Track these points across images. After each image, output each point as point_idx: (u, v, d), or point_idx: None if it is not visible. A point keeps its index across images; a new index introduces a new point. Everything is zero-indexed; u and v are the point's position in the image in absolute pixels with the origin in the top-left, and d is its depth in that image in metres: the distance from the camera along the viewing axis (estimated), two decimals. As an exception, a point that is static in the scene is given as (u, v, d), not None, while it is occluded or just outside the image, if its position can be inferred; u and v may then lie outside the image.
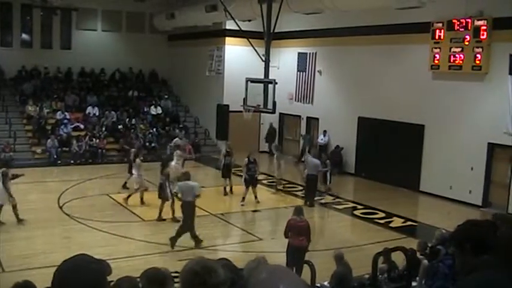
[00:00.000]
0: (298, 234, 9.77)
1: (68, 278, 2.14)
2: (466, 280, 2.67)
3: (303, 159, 18.41)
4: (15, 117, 23.75)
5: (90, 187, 18.21)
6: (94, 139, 22.58)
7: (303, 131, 23.78)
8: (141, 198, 15.53)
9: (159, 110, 26.49)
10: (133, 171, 15.83)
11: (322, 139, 22.02)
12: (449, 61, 16.77)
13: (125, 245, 12.10)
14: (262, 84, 16.67)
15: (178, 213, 13.09)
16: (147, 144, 23.19)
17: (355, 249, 11.70)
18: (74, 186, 17.77)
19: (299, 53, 23.40)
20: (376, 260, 8.32)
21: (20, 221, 13.19)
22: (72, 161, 21.71)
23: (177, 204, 13.05)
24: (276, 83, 16.39)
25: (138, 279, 3.36)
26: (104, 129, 23.91)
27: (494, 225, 3.05)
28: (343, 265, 8.49)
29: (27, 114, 23.73)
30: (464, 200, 16.46)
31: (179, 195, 12.33)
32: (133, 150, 17.22)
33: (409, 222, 14.93)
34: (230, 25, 22.16)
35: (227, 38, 24.34)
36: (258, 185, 16.83)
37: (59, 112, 24.02)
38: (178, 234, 11.80)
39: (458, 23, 16.44)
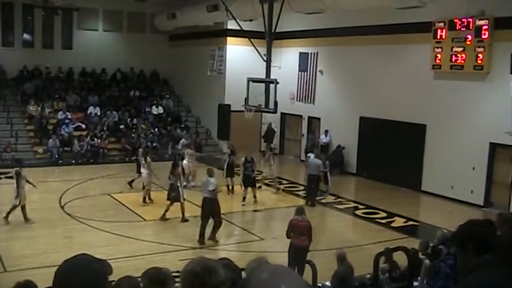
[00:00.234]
0: (300, 234, 9.76)
1: (69, 277, 2.14)
2: (467, 280, 2.67)
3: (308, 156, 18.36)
4: (17, 117, 23.79)
5: (92, 187, 18.23)
6: (95, 139, 22.61)
7: (305, 130, 23.78)
8: (144, 198, 15.56)
9: (161, 110, 26.51)
10: (143, 170, 15.87)
11: (323, 139, 22.02)
12: (451, 61, 16.75)
13: (127, 244, 12.10)
14: (263, 84, 16.67)
15: (186, 213, 13.46)
16: (149, 144, 23.19)
17: (356, 249, 11.69)
18: (76, 186, 17.79)
19: (300, 53, 23.39)
20: (377, 260, 8.31)
21: (27, 220, 13.23)
22: (73, 161, 21.76)
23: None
24: (278, 83, 16.39)
25: (139, 279, 3.36)
26: (105, 129, 23.95)
27: (493, 225, 3.05)
28: (344, 265, 8.47)
29: (29, 114, 23.77)
30: (466, 200, 16.45)
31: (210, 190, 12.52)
32: (140, 150, 17.34)
33: (411, 222, 14.92)
34: (231, 25, 22.14)
35: (228, 38, 24.35)
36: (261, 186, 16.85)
37: (60, 112, 24.06)
38: (214, 230, 12.25)
39: (459, 22, 16.43)
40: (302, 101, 23.50)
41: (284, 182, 19.40)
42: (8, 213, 13.09)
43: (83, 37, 27.30)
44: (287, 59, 23.77)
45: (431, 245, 8.73)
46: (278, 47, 21.16)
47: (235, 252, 11.95)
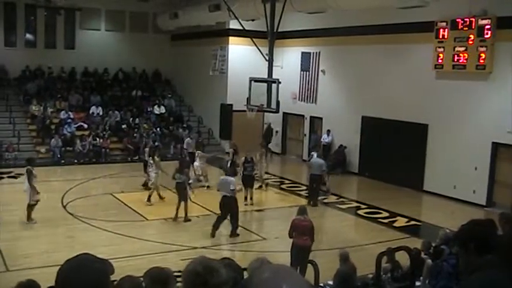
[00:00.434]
0: (302, 234, 9.77)
1: (71, 277, 2.14)
2: (469, 280, 2.66)
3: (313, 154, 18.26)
4: (19, 117, 23.82)
5: (94, 186, 18.25)
6: (98, 139, 22.63)
7: (307, 130, 23.77)
8: (149, 196, 15.55)
9: (163, 110, 26.52)
10: (150, 170, 15.88)
11: (325, 139, 22.01)
12: (453, 60, 16.72)
13: (129, 244, 12.11)
14: (265, 84, 16.66)
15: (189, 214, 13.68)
16: (151, 143, 23.19)
17: (358, 249, 11.68)
18: (78, 185, 17.81)
19: (302, 53, 23.38)
20: (379, 260, 8.30)
21: (29, 219, 13.25)
22: (75, 161, 21.78)
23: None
24: (280, 83, 16.36)
25: (141, 279, 3.36)
26: (107, 128, 23.97)
27: (495, 225, 3.05)
28: (347, 264, 8.46)
29: (31, 113, 23.79)
30: (468, 199, 16.42)
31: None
32: (146, 149, 17.35)
33: (413, 222, 14.91)
34: (233, 25, 22.14)
35: (230, 38, 24.35)
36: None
37: (62, 112, 24.08)
38: (234, 227, 12.76)
39: (462, 22, 16.40)
40: (304, 100, 23.50)
41: (286, 181, 19.39)
42: (29, 214, 13.18)
43: (85, 37, 27.33)
44: (289, 59, 23.76)
45: (433, 244, 8.72)
46: (280, 46, 21.14)
47: (237, 252, 11.96)
